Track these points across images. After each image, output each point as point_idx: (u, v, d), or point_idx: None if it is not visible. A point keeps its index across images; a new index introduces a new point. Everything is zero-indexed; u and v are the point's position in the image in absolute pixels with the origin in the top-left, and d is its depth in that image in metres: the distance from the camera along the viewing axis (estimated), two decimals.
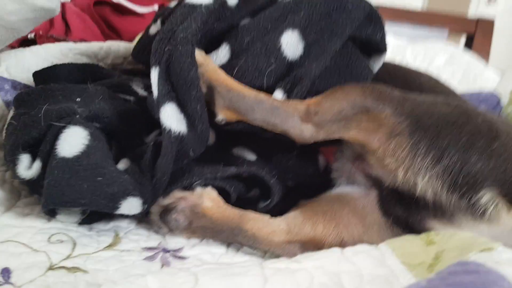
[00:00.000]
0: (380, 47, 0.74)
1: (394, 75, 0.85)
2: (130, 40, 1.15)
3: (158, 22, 0.83)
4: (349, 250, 0.44)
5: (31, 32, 1.21)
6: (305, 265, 0.41)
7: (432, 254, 0.39)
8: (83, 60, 0.85)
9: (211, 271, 0.41)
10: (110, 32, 1.39)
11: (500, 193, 0.55)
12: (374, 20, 0.72)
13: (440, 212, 0.57)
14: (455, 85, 1.43)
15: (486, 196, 0.55)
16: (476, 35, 2.08)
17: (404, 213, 0.60)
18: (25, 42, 1.17)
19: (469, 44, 2.11)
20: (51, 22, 1.28)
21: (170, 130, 0.59)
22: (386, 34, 0.74)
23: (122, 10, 1.40)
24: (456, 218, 0.56)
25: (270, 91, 0.67)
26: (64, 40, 1.21)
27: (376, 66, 0.76)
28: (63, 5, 1.31)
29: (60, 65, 0.74)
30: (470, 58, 1.56)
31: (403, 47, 1.55)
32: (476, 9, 2.07)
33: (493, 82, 1.40)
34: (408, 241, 0.43)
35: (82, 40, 1.29)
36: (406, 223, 0.60)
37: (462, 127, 0.58)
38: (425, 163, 0.57)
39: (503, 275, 0.29)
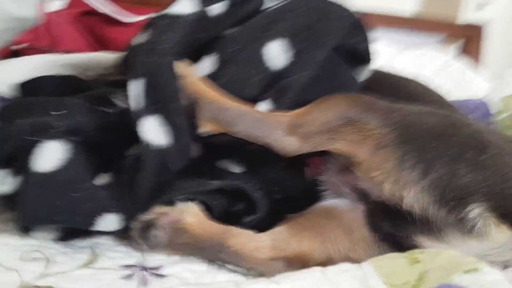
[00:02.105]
0: (364, 57, 0.73)
1: (382, 83, 0.83)
2: (119, 50, 1.13)
3: (145, 34, 0.81)
4: (331, 269, 0.42)
5: (16, 43, 1.19)
6: (284, 287, 0.39)
7: (415, 274, 0.37)
8: (66, 71, 0.83)
9: None
10: (98, 43, 1.37)
11: (488, 208, 0.53)
12: (358, 30, 0.71)
13: (427, 227, 0.55)
14: (446, 93, 1.42)
15: (474, 211, 0.53)
16: (468, 41, 2.08)
17: (391, 228, 0.58)
18: (10, 54, 1.16)
19: (461, 50, 2.11)
20: (36, 33, 1.27)
21: (149, 144, 0.58)
22: (370, 44, 0.73)
23: (109, 20, 1.39)
24: (444, 233, 0.55)
25: (256, 101, 0.66)
26: (49, 51, 1.19)
27: (362, 76, 0.75)
28: (48, 16, 1.30)
29: (42, 77, 0.73)
30: (461, 66, 1.56)
31: (393, 54, 1.54)
32: (466, 14, 2.07)
33: (484, 89, 1.39)
34: (392, 259, 0.41)
35: (68, 51, 1.28)
36: (393, 239, 0.58)
37: (449, 138, 0.57)
38: (412, 176, 0.56)
39: None
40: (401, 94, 0.81)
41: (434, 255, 0.37)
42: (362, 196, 0.64)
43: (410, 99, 0.79)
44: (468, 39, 2.03)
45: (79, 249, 0.58)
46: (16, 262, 0.53)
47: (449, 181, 0.54)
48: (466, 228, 0.54)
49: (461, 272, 0.31)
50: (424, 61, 1.50)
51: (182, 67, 0.63)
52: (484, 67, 1.85)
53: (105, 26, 1.39)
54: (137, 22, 1.41)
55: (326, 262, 0.62)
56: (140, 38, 0.79)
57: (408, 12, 2.10)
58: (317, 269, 0.42)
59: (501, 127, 0.93)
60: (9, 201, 0.58)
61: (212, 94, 0.62)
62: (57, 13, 1.31)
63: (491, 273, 0.31)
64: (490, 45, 2.04)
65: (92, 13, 1.36)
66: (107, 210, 0.55)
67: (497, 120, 0.94)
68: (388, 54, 1.55)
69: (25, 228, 0.57)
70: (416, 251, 0.41)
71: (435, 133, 0.58)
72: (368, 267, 0.41)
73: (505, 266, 0.57)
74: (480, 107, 1.01)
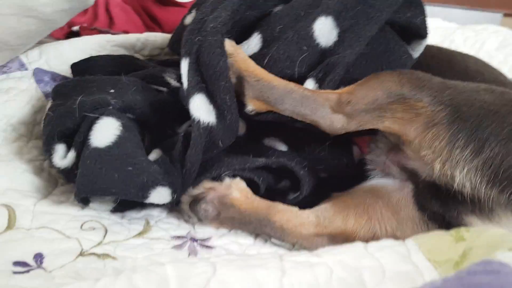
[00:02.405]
0: (420, 32, 0.70)
1: (438, 58, 0.80)
2: (172, 31, 1.17)
3: (193, 11, 0.83)
4: (372, 245, 0.42)
5: (76, 24, 1.26)
6: (325, 259, 0.40)
7: (460, 251, 0.37)
8: (121, 51, 0.87)
9: (230, 262, 0.41)
10: (153, 23, 1.41)
11: None
12: (414, 3, 0.69)
13: (478, 207, 0.54)
14: (507, 71, 1.34)
15: None
16: None
17: (441, 208, 0.57)
18: (70, 35, 1.22)
19: None
20: (95, 14, 1.33)
21: (199, 121, 0.60)
22: (426, 17, 0.70)
23: (163, 1, 1.42)
24: (496, 213, 0.53)
25: (302, 80, 0.66)
26: (107, 32, 1.24)
27: (417, 52, 0.73)
28: None
29: (96, 56, 0.76)
30: None
31: (452, 30, 1.47)
32: None
33: None
34: (437, 236, 0.41)
35: (125, 32, 1.33)
36: (442, 218, 0.57)
37: (505, 117, 0.54)
38: (464, 155, 0.54)
39: None
40: (459, 69, 0.78)
41: (480, 232, 0.36)
42: (411, 175, 0.62)
43: (468, 76, 0.76)
44: None
45: (134, 220, 0.62)
46: (76, 231, 0.57)
47: (502, 160, 0.52)
48: None
49: (505, 249, 0.30)
50: (483, 38, 1.42)
51: (230, 45, 0.64)
52: None
53: (159, 7, 1.43)
54: (190, 2, 1.43)
55: (371, 240, 0.62)
56: (189, 19, 0.81)
57: None
58: (359, 244, 0.42)
59: None
60: (69, 174, 0.62)
61: (259, 72, 0.63)
62: None
63: None
64: None
65: None
66: (160, 183, 0.58)
67: None
68: (447, 29, 1.48)
69: (85, 199, 0.61)
70: (462, 229, 0.40)
71: (490, 111, 0.55)
72: (411, 243, 0.41)
73: None
74: None
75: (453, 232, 0.40)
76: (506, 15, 2.04)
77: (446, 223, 0.57)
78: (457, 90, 0.58)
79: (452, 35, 1.43)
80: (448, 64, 0.76)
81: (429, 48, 0.76)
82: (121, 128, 0.61)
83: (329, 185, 0.71)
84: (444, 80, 0.60)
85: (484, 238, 0.35)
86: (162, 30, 1.40)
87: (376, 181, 0.68)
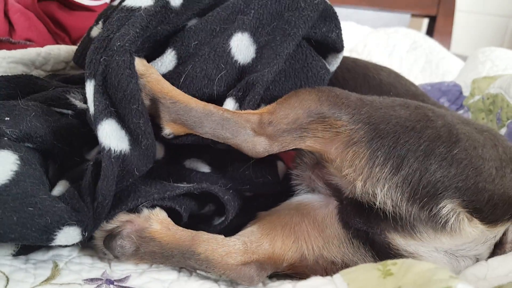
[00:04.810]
0: (336, 46, 0.70)
1: (353, 72, 0.82)
2: (80, 37, 1.08)
3: (100, 23, 0.76)
4: (302, 284, 0.40)
5: None
6: None
7: None
8: (19, 68, 0.78)
9: None
10: (58, 29, 1.30)
11: (461, 203, 0.53)
12: (329, 18, 0.68)
13: (400, 224, 0.55)
14: (418, 72, 1.42)
15: (447, 207, 0.52)
16: (438, 17, 2.08)
17: (364, 225, 0.57)
18: None
19: (431, 27, 2.11)
20: None
21: (110, 149, 0.54)
22: (341, 31, 0.70)
23: (69, 5, 1.31)
24: (417, 230, 0.54)
25: (221, 99, 0.63)
26: (8, 40, 1.12)
27: (334, 65, 0.73)
28: (5, 2, 1.22)
29: None
30: (432, 44, 1.55)
31: (365, 35, 1.52)
32: None
33: (456, 67, 1.39)
34: (365, 272, 0.40)
35: (27, 39, 1.21)
36: (366, 236, 0.58)
37: (421, 132, 0.56)
38: (384, 173, 0.55)
39: None
40: (373, 82, 0.79)
41: (407, 267, 0.36)
42: (335, 191, 0.62)
43: (382, 90, 0.78)
44: (440, 15, 2.03)
45: (40, 264, 0.55)
46: None
47: (421, 177, 0.53)
48: (439, 224, 0.53)
49: None
50: (396, 40, 1.49)
51: (141, 65, 0.59)
52: (456, 45, 1.85)
53: (64, 12, 1.32)
54: (101, 7, 1.34)
55: (299, 261, 0.61)
56: (96, 31, 0.75)
57: None
58: (288, 286, 0.40)
59: (472, 110, 0.93)
60: None
61: (175, 93, 0.59)
62: None
63: None
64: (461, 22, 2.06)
65: None
66: (67, 223, 0.52)
67: (469, 103, 0.94)
68: (360, 34, 1.53)
69: None
70: (388, 262, 0.40)
71: (407, 127, 0.56)
72: (340, 280, 0.40)
73: (477, 259, 0.57)
74: (452, 90, 1.00)
75: (380, 266, 0.40)
76: (413, 15, 2.17)
77: (370, 240, 0.58)
78: (374, 106, 0.59)
79: (365, 39, 1.48)
80: (363, 78, 0.77)
81: (344, 60, 0.76)
82: (18, 162, 0.53)
83: (255, 204, 0.69)
84: (362, 97, 0.61)
85: (412, 276, 0.34)
86: (70, 36, 1.30)
87: (302, 197, 0.67)
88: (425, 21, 2.25)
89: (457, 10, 2.13)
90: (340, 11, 0.73)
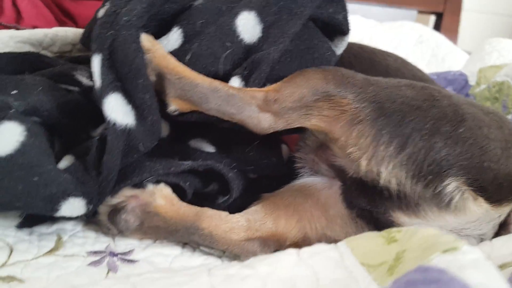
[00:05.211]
0: (343, 28, 0.70)
1: (359, 57, 0.81)
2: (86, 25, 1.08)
3: (107, 4, 0.76)
4: (305, 251, 0.40)
5: None
6: (258, 271, 0.37)
7: (393, 253, 0.36)
8: (26, 48, 0.78)
9: (152, 282, 0.37)
10: (66, 18, 1.31)
11: (466, 181, 0.52)
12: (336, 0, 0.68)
13: (404, 203, 0.54)
14: (424, 66, 1.41)
15: (451, 185, 0.52)
16: (445, 14, 2.08)
17: (368, 204, 0.57)
18: None
19: (438, 24, 2.11)
20: (1, 8, 1.20)
21: (115, 124, 0.54)
22: (348, 14, 0.70)
23: None
24: (421, 208, 0.54)
25: (227, 78, 0.63)
26: (15, 27, 1.13)
27: (340, 48, 0.72)
28: None
29: None
30: (439, 38, 1.55)
31: (371, 28, 1.52)
32: None
33: (462, 61, 1.39)
34: (369, 239, 0.40)
35: (35, 27, 1.21)
36: (370, 215, 0.57)
37: (427, 111, 0.56)
38: (389, 152, 0.54)
39: (466, 284, 0.26)
40: (380, 67, 0.79)
41: (412, 233, 0.36)
42: (339, 172, 0.62)
43: (389, 75, 0.78)
44: (447, 12, 2.03)
45: (44, 236, 0.55)
46: None
47: (426, 155, 0.53)
48: (444, 203, 0.53)
49: (439, 252, 0.30)
50: (401, 34, 1.48)
51: (147, 40, 0.59)
52: (462, 43, 1.85)
53: (72, 1, 1.33)
54: None
55: (302, 240, 0.61)
56: (103, 10, 0.75)
57: None
58: (292, 251, 0.40)
59: (478, 99, 0.92)
60: None
61: (180, 69, 0.59)
62: None
63: (470, 252, 0.30)
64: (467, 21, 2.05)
65: None
66: (72, 194, 0.52)
67: (475, 92, 0.94)
68: (366, 27, 1.52)
69: None
70: (393, 229, 0.39)
71: (412, 106, 0.56)
72: (344, 247, 0.39)
73: (481, 239, 0.57)
74: (458, 79, 0.99)
75: (384, 233, 0.39)
76: (420, 12, 2.16)
77: (374, 219, 0.58)
78: (380, 86, 0.59)
79: (371, 32, 1.48)
80: (370, 63, 0.77)
81: (351, 46, 0.76)
82: (25, 133, 0.54)
83: (259, 186, 0.69)
84: (367, 77, 0.61)
85: (416, 240, 0.34)
86: (77, 25, 1.30)
87: (305, 180, 0.67)
88: (432, 18, 2.24)
89: (464, 10, 2.13)
90: None
